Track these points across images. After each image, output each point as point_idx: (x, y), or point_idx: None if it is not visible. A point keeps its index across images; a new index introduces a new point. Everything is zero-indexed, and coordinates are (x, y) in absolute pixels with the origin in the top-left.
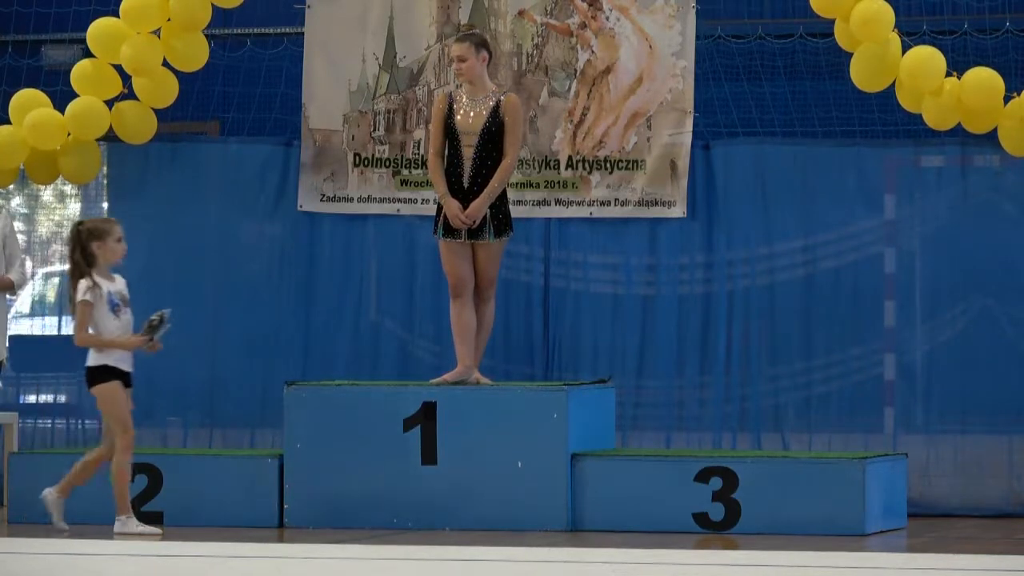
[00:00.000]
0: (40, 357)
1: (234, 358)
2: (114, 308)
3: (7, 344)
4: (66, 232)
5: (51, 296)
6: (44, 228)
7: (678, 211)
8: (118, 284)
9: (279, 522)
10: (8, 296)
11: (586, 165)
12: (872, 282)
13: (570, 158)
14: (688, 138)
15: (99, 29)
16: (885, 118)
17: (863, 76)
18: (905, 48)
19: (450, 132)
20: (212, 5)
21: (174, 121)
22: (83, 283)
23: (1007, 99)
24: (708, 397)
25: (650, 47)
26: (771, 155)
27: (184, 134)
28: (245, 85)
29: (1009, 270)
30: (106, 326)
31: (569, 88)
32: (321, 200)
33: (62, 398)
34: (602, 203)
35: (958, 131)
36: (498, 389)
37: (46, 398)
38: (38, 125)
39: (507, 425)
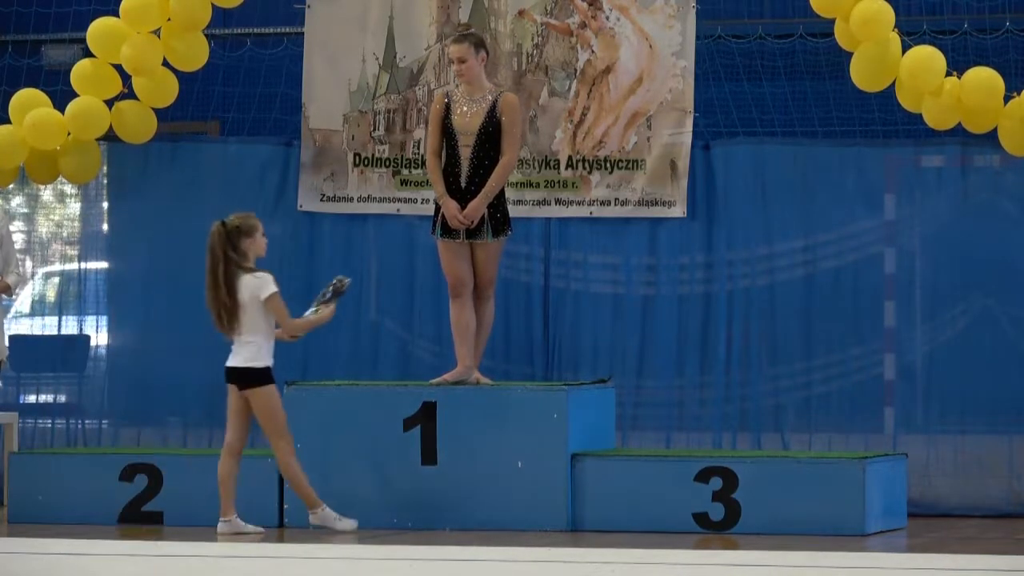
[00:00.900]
0: (40, 357)
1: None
2: None
3: (7, 344)
4: (66, 232)
5: (51, 296)
6: (44, 228)
7: (678, 211)
8: None
9: (279, 522)
10: (6, 297)
11: (586, 165)
12: (872, 282)
13: (570, 158)
14: (688, 138)
15: (99, 29)
16: (885, 118)
17: (863, 76)
18: (905, 48)
19: (447, 132)
20: (212, 5)
21: (174, 121)
22: (266, 275)
23: (1007, 99)
24: (708, 397)
25: (650, 47)
26: (771, 155)
27: (184, 134)
28: (245, 85)
29: (1009, 270)
30: (268, 319)
31: (569, 88)
32: (321, 200)
33: (62, 398)
34: (602, 203)
35: (958, 131)
36: (498, 389)
37: (46, 398)
38: (38, 125)
39: (507, 425)
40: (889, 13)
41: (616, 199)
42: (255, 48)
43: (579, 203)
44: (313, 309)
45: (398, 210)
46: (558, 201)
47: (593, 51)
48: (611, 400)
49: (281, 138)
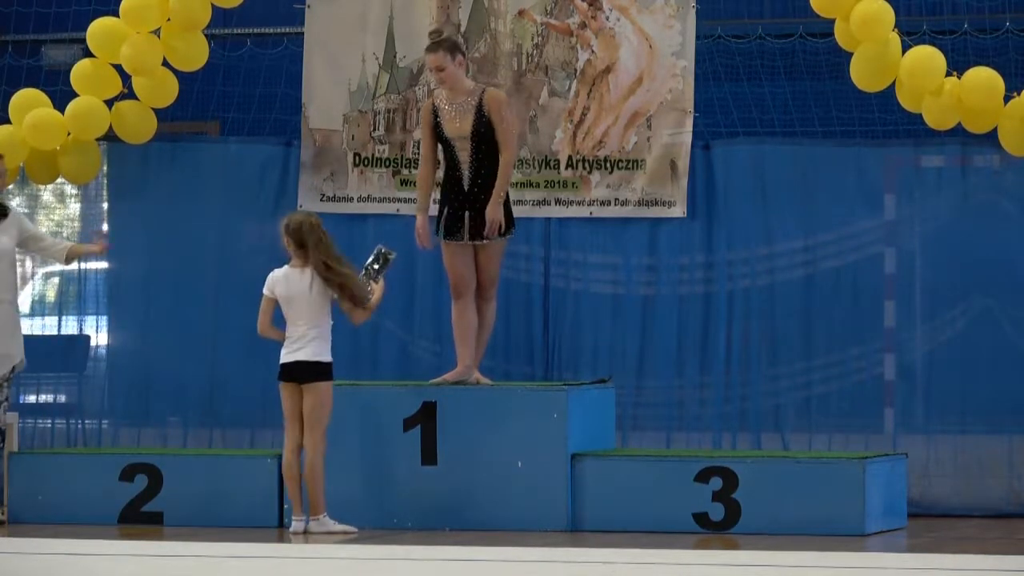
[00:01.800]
0: (40, 357)
1: (234, 358)
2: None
3: (22, 345)
4: (67, 232)
5: (51, 296)
6: (44, 228)
7: (678, 211)
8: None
9: (279, 522)
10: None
11: (586, 165)
12: (872, 282)
13: (570, 158)
14: (688, 138)
15: (99, 29)
16: (885, 118)
17: (863, 76)
18: (905, 48)
19: (443, 140)
20: (212, 5)
21: (174, 121)
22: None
23: (1007, 99)
24: (708, 397)
25: (650, 47)
26: (771, 155)
27: (184, 134)
28: (245, 85)
29: (1009, 270)
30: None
31: (569, 88)
32: (321, 200)
33: (62, 398)
34: (602, 203)
35: (958, 131)
36: (498, 389)
37: (46, 398)
38: (38, 125)
39: (507, 425)
40: (889, 13)
41: (616, 199)
42: (255, 48)
43: (579, 203)
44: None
45: (398, 210)
46: (558, 201)
47: (593, 51)
48: (611, 400)
49: (281, 138)
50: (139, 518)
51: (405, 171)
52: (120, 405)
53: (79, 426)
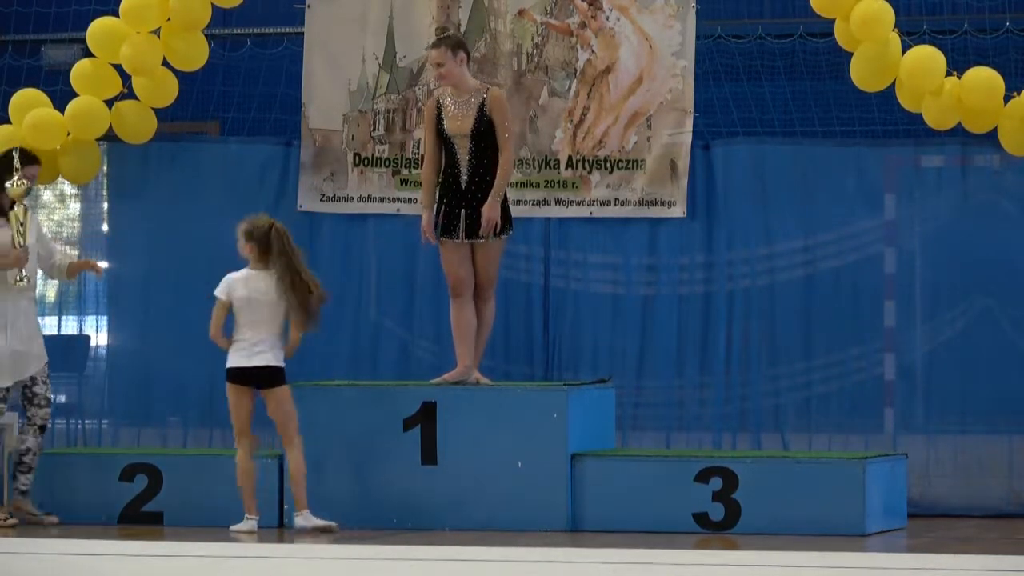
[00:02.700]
0: None
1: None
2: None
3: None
4: (67, 232)
5: (51, 296)
6: (44, 228)
7: (678, 211)
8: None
9: (279, 522)
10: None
11: (586, 165)
12: (872, 282)
13: (570, 158)
14: (688, 138)
15: (99, 29)
16: (885, 118)
17: (863, 76)
18: (905, 48)
19: (443, 137)
20: (212, 5)
21: (174, 121)
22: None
23: (1007, 99)
24: (708, 397)
25: (650, 47)
26: (771, 155)
27: (184, 134)
28: (245, 85)
29: (1009, 270)
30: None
31: (569, 88)
32: (321, 200)
33: (62, 398)
34: (602, 203)
35: (958, 131)
36: (498, 389)
37: None
38: (38, 125)
39: (507, 425)
40: (889, 13)
41: (616, 199)
42: (255, 48)
43: (579, 203)
44: None
45: (398, 210)
46: (558, 201)
47: (593, 51)
48: (611, 400)
49: (281, 138)
50: (139, 518)
51: (405, 171)
52: (120, 405)
53: (79, 426)
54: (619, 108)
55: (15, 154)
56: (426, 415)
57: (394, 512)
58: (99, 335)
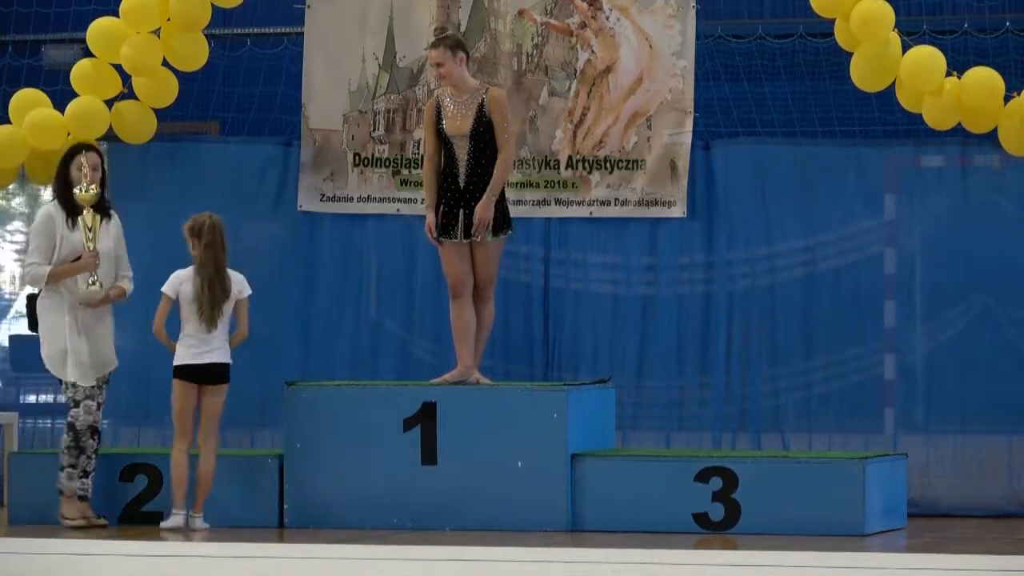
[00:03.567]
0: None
1: (234, 358)
2: None
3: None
4: None
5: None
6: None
7: (678, 211)
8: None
9: (279, 522)
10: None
11: (586, 165)
12: (872, 282)
13: (570, 158)
14: (688, 138)
15: (99, 29)
16: (885, 118)
17: (863, 76)
18: (905, 48)
19: (442, 136)
20: (212, 5)
21: (174, 121)
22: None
23: (1007, 99)
24: (708, 397)
25: (650, 47)
26: (771, 155)
27: (184, 134)
28: (245, 85)
29: (1009, 270)
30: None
31: (569, 88)
32: (321, 200)
33: (62, 398)
34: (602, 203)
35: (958, 131)
36: (498, 389)
37: (46, 398)
38: (38, 125)
39: (507, 425)
40: (889, 13)
41: (616, 199)
42: (255, 48)
43: (579, 203)
44: None
45: (398, 210)
46: (558, 201)
47: (593, 51)
48: (611, 400)
49: (281, 138)
50: (139, 518)
51: (405, 171)
52: (120, 405)
53: None
54: (619, 108)
55: (83, 158)
56: (426, 415)
57: (394, 512)
58: None
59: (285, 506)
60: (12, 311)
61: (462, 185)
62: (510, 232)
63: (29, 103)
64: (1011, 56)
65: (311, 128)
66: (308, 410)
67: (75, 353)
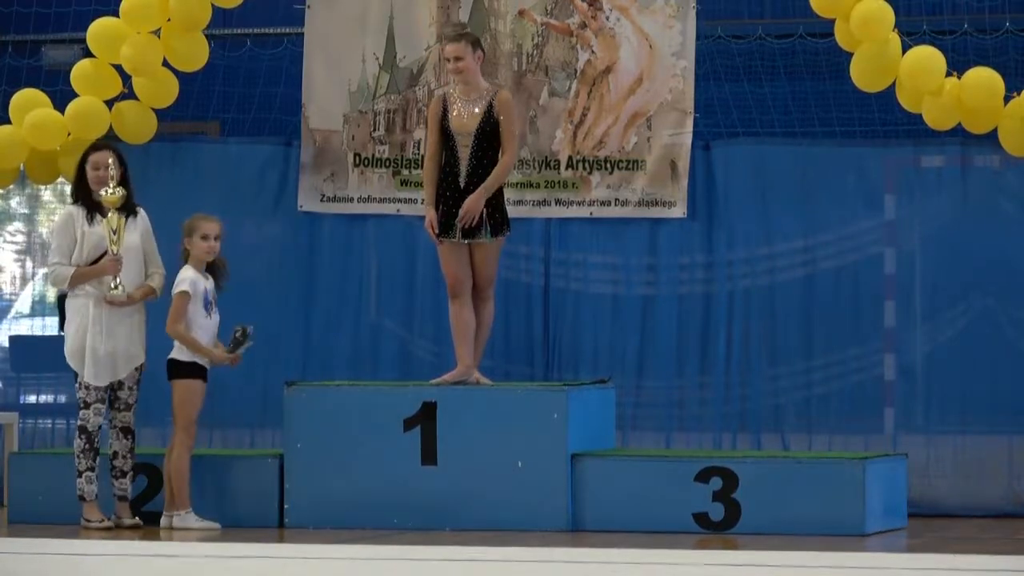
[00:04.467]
0: (40, 357)
1: None
2: (207, 307)
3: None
4: None
5: (51, 296)
6: (44, 228)
7: (678, 211)
8: (210, 283)
9: (279, 522)
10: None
11: (586, 165)
12: (872, 282)
13: (570, 158)
14: (688, 138)
15: (99, 29)
16: (885, 118)
17: (863, 76)
18: (905, 48)
19: (446, 134)
20: (212, 5)
21: (174, 121)
22: (186, 273)
23: (1007, 99)
24: (708, 397)
25: (650, 47)
26: (771, 155)
27: (184, 134)
28: (245, 85)
29: (1009, 270)
30: (199, 324)
31: (569, 88)
32: (321, 200)
33: (62, 398)
34: (602, 203)
35: (958, 131)
36: (498, 389)
37: (46, 398)
38: (38, 125)
39: (507, 425)
40: (889, 13)
41: (616, 199)
42: (255, 48)
43: (579, 203)
44: (227, 347)
45: (398, 210)
46: (558, 201)
47: (593, 51)
48: (611, 400)
49: (281, 138)
50: (139, 518)
51: (405, 171)
52: None
53: None
54: (619, 108)
55: (111, 160)
56: (426, 415)
57: (394, 512)
58: None
59: (285, 506)
60: (12, 311)
61: (462, 185)
62: (508, 233)
63: (29, 103)
64: (1011, 56)
65: (311, 128)
66: (308, 410)
67: (92, 352)
